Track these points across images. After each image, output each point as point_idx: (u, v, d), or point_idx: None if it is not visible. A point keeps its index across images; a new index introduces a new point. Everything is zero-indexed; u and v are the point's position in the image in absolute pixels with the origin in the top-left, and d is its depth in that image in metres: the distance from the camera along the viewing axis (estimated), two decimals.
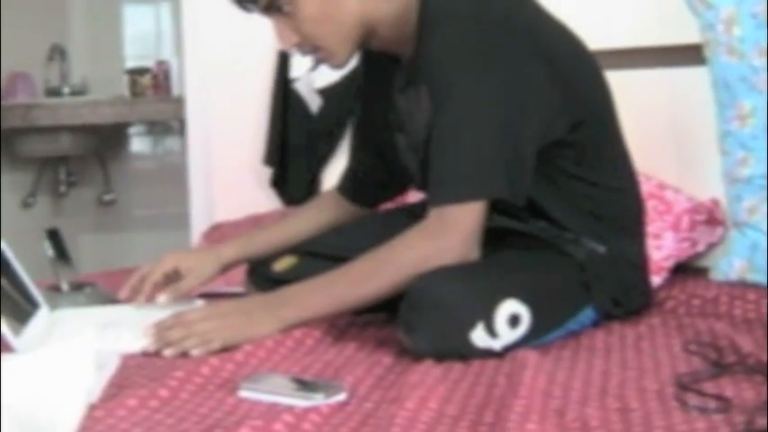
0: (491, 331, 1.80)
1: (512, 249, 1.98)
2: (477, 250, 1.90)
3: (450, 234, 1.88)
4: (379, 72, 2.20)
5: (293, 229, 2.36)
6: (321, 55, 2.07)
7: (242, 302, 2.03)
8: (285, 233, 2.34)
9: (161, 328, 1.90)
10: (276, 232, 2.36)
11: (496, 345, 1.81)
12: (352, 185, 2.39)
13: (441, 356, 1.78)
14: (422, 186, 2.14)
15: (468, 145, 1.90)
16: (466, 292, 1.82)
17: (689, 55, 2.56)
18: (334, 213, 2.38)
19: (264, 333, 1.89)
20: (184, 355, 1.84)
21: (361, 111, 2.38)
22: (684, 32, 2.53)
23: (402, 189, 2.41)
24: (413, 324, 1.81)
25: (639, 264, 2.14)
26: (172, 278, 2.22)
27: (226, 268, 2.29)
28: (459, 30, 1.92)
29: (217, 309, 1.97)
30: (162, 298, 2.17)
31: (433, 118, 1.96)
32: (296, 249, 2.28)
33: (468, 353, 1.79)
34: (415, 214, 2.04)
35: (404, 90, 2.10)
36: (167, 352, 1.85)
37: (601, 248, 2.03)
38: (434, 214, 1.90)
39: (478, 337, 1.79)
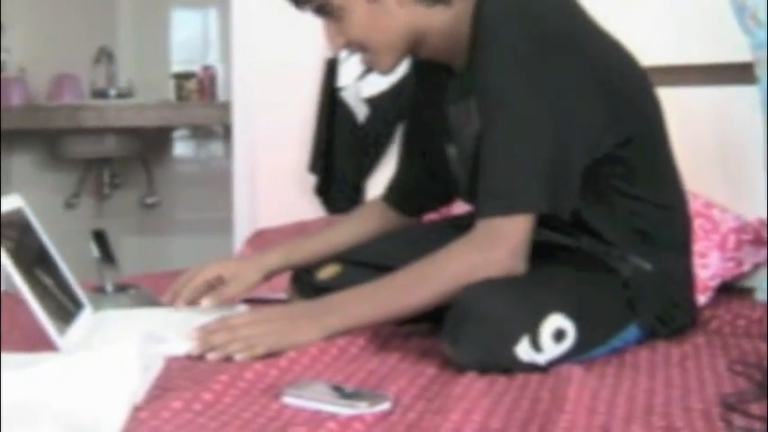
0: (536, 345, 1.79)
1: (558, 264, 1.97)
2: (524, 264, 1.89)
3: (497, 246, 1.88)
4: (432, 82, 2.21)
5: (337, 237, 2.36)
6: (368, 59, 2.09)
7: (286, 309, 2.05)
8: (329, 242, 2.35)
9: (206, 332, 1.90)
10: (320, 241, 2.36)
11: (541, 359, 1.80)
12: (398, 195, 2.39)
13: (485, 369, 1.77)
14: (469, 198, 2.14)
15: (517, 159, 1.90)
16: (512, 305, 1.82)
17: (738, 73, 2.55)
18: (378, 223, 2.39)
19: (307, 340, 1.89)
20: (228, 359, 1.84)
21: (412, 120, 2.38)
22: (735, 51, 2.51)
23: (448, 200, 2.41)
24: (458, 336, 1.80)
25: (686, 282, 2.13)
26: (215, 285, 2.23)
27: (269, 276, 2.30)
28: (512, 46, 1.92)
29: (261, 314, 1.97)
30: (205, 303, 2.17)
31: (481, 131, 1.96)
32: (340, 258, 2.28)
33: (513, 366, 1.78)
34: (460, 226, 2.03)
35: (456, 101, 2.10)
36: (211, 356, 1.85)
37: (647, 266, 2.02)
38: (482, 226, 1.90)
39: (523, 350, 1.79)
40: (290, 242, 2.41)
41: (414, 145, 2.37)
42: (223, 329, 1.90)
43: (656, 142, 2.11)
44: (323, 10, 2.04)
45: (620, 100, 2.00)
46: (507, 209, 1.89)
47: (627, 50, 2.09)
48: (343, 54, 3.08)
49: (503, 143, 1.92)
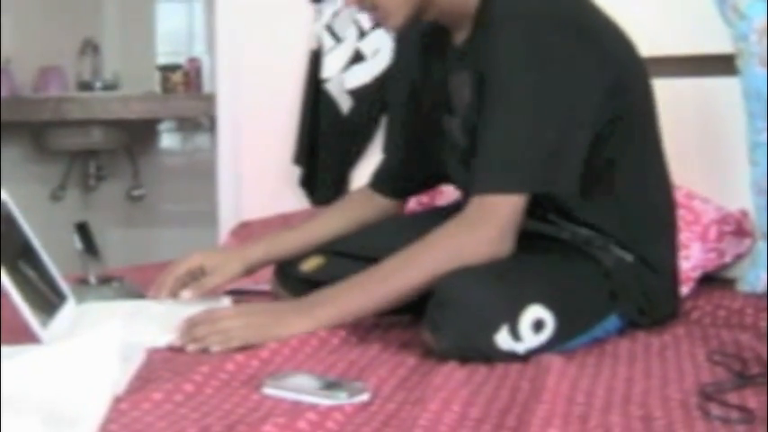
0: (515, 334, 1.81)
1: (539, 254, 1.98)
2: (513, 244, 1.91)
3: (487, 223, 1.90)
4: (431, 54, 2.23)
5: (320, 229, 2.36)
6: (378, 15, 2.09)
7: (273, 304, 2.08)
8: (312, 233, 2.35)
9: (189, 324, 1.91)
10: (303, 232, 2.36)
11: (520, 348, 1.82)
12: (385, 177, 2.41)
13: (464, 357, 1.79)
14: (466, 169, 2.15)
15: (516, 138, 1.93)
16: (492, 293, 1.83)
17: (720, 65, 2.56)
18: (361, 212, 2.39)
19: (295, 332, 1.89)
20: (206, 351, 1.85)
21: (403, 98, 2.38)
22: (717, 42, 2.53)
23: (436, 182, 2.42)
24: (438, 322, 1.82)
25: (668, 274, 2.14)
26: (197, 275, 2.23)
27: (252, 268, 2.30)
28: (525, 26, 1.95)
29: (247, 307, 2.01)
30: (185, 294, 2.18)
31: (481, 105, 1.99)
32: (324, 249, 2.29)
33: (492, 355, 1.79)
34: (444, 216, 2.04)
35: (456, 71, 2.12)
36: (190, 347, 1.86)
37: (629, 257, 2.04)
38: (475, 202, 1.93)
39: (502, 339, 1.80)
40: (272, 235, 2.41)
41: (403, 125, 2.38)
42: (205, 322, 1.91)
43: (644, 132, 2.12)
44: None
45: (617, 86, 2.02)
46: (502, 186, 1.91)
47: (628, 38, 2.12)
48: (334, 74, 3.09)
49: (503, 123, 1.94)
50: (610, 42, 2.07)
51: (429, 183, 2.43)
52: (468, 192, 2.02)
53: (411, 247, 1.95)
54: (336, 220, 2.38)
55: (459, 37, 2.13)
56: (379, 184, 2.41)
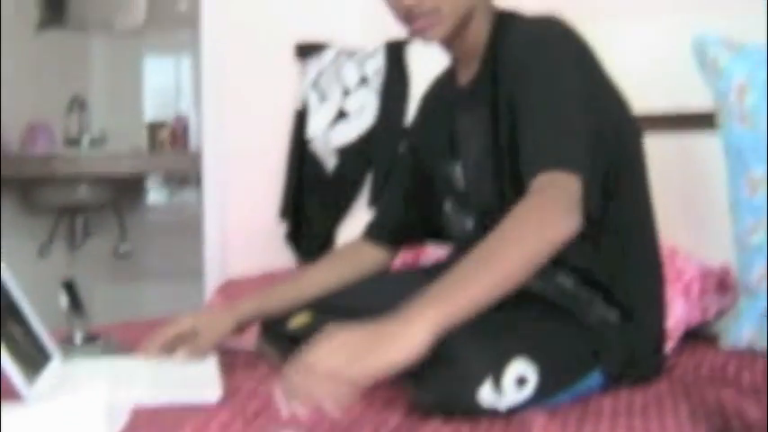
0: (498, 389, 1.80)
1: (524, 308, 1.97)
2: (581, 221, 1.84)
3: (564, 196, 1.83)
4: (438, 99, 2.28)
5: (311, 284, 2.36)
6: (430, 21, 2.09)
7: (362, 328, 1.69)
8: (303, 288, 2.35)
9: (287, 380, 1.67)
10: (294, 288, 2.37)
11: (502, 404, 1.81)
12: (381, 226, 2.45)
13: (447, 412, 1.78)
14: (476, 210, 2.18)
15: (566, 127, 1.92)
16: (477, 347, 1.82)
17: (701, 122, 2.59)
18: (352, 266, 2.40)
19: (415, 343, 1.64)
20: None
21: (412, 140, 2.43)
22: (699, 99, 2.56)
23: (431, 233, 2.43)
24: (421, 377, 1.81)
25: (654, 332, 2.15)
26: (187, 338, 2.23)
27: (243, 325, 2.30)
28: (544, 46, 2.00)
29: (336, 339, 1.66)
30: (179, 355, 2.18)
31: (496, 142, 2.04)
32: (312, 306, 2.29)
33: (474, 411, 1.79)
34: (430, 275, 2.04)
35: (467, 110, 2.16)
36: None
37: (614, 314, 2.05)
38: (541, 178, 1.86)
39: (486, 393, 1.79)
40: (263, 291, 2.41)
41: (403, 170, 2.43)
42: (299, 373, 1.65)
43: (635, 185, 2.15)
44: None
45: (611, 136, 2.05)
46: (565, 163, 1.87)
47: (620, 90, 2.15)
48: (319, 133, 3.10)
49: (550, 114, 1.93)
50: (611, 88, 2.12)
51: (425, 232, 2.45)
52: (463, 234, 2.09)
53: (497, 228, 1.79)
54: (327, 275, 2.39)
55: (464, 77, 2.18)
56: (374, 233, 2.45)
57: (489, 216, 2.10)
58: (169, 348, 2.21)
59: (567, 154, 1.89)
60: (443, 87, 2.29)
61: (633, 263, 2.12)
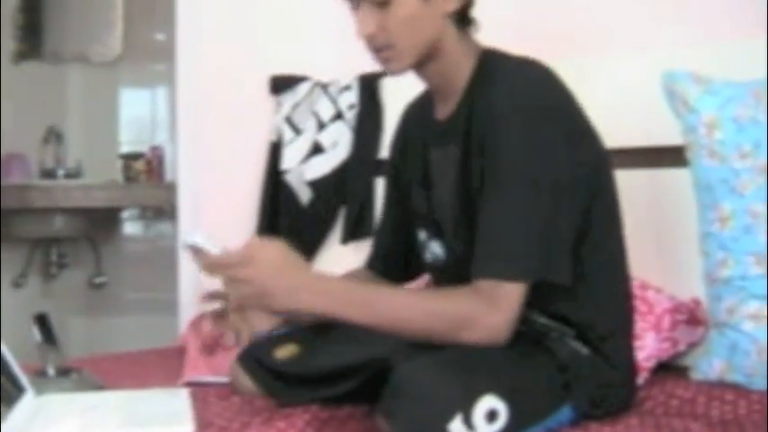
0: (468, 424, 1.81)
1: None
2: (513, 332, 1.95)
3: (495, 312, 1.93)
4: (414, 131, 2.29)
5: None
6: (388, 54, 2.11)
7: (291, 274, 1.99)
8: None
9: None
10: None
11: None
12: (381, 259, 2.46)
13: None
14: (451, 245, 2.19)
15: (524, 225, 1.95)
16: (447, 382, 1.83)
17: (671, 156, 2.60)
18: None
19: (298, 311, 1.96)
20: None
21: (394, 175, 2.43)
22: (667, 134, 2.58)
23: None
24: (392, 410, 1.82)
25: (624, 367, 2.16)
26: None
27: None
28: (524, 124, 1.98)
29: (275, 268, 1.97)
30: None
31: (462, 181, 2.06)
32: (299, 338, 2.30)
33: None
34: None
35: (439, 146, 2.18)
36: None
37: (584, 350, 2.06)
38: (483, 285, 1.95)
39: (456, 427, 1.79)
40: None
41: (394, 205, 2.43)
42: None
43: (610, 224, 2.16)
44: None
45: (587, 178, 2.07)
46: (507, 274, 1.94)
47: (596, 130, 2.16)
48: (293, 165, 3.09)
49: (506, 208, 1.97)
50: (590, 136, 2.13)
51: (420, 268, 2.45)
52: (436, 262, 2.12)
53: (429, 296, 2.02)
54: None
55: (443, 111, 2.18)
56: (372, 264, 2.47)
57: (459, 248, 2.12)
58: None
59: (515, 261, 1.95)
60: (422, 113, 2.29)
61: (605, 301, 2.13)
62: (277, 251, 1.99)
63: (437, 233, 2.21)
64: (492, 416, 1.84)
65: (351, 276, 2.46)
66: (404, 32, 2.08)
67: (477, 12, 2.17)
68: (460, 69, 2.14)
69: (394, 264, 2.45)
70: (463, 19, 2.15)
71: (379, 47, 2.11)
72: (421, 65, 2.14)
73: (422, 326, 1.94)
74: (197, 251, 1.98)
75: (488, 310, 1.93)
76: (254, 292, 1.93)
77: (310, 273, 2.04)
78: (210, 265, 1.98)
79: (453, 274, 2.07)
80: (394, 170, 2.43)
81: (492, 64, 2.11)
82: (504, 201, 1.98)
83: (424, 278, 2.47)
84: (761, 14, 2.57)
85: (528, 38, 3.02)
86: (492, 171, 2.01)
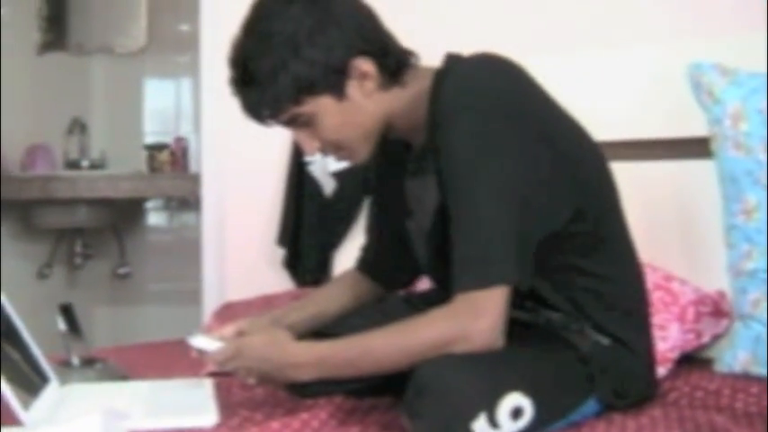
0: (493, 422, 1.80)
1: (517, 340, 1.98)
2: (503, 338, 1.91)
3: (479, 318, 1.89)
4: (391, 159, 2.23)
5: (317, 308, 2.37)
6: (344, 154, 2.11)
7: (279, 352, 2.04)
8: (310, 312, 2.35)
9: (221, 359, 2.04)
10: (302, 310, 2.36)
11: None
12: (372, 267, 2.43)
13: None
14: (430, 272, 2.18)
15: (488, 232, 1.91)
16: (471, 381, 1.83)
17: (696, 148, 2.59)
18: (354, 294, 2.41)
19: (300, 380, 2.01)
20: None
21: (375, 197, 2.42)
22: (692, 126, 2.57)
23: (417, 273, 2.43)
24: (416, 409, 1.82)
25: (645, 356, 2.15)
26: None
27: None
28: (473, 122, 1.93)
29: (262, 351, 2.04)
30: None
31: (444, 205, 1.98)
32: (311, 334, 2.30)
33: None
34: (430, 301, 2.05)
35: (414, 176, 2.14)
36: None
37: (605, 341, 2.05)
38: (462, 299, 1.90)
39: (480, 427, 1.79)
40: (279, 309, 2.40)
41: (379, 221, 2.41)
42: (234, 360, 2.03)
43: (609, 217, 2.14)
44: (294, 122, 2.05)
45: (572, 174, 2.03)
46: (485, 282, 1.89)
47: (579, 124, 2.12)
48: (317, 157, 3.09)
49: (473, 217, 1.92)
50: (557, 127, 2.06)
51: (412, 273, 2.43)
52: (443, 284, 2.05)
53: (402, 329, 1.94)
54: (333, 302, 2.39)
55: (415, 140, 2.13)
56: (362, 267, 2.44)
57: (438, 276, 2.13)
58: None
59: (489, 269, 1.90)
60: (393, 147, 2.21)
61: (617, 292, 2.11)
62: (259, 339, 2.05)
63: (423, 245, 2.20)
64: (517, 413, 1.83)
65: (340, 284, 2.46)
66: (343, 135, 2.05)
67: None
68: (418, 106, 2.07)
69: (385, 267, 2.43)
70: (390, 71, 2.08)
71: (332, 154, 2.11)
72: (382, 136, 2.11)
73: (413, 359, 1.89)
74: (200, 350, 2.07)
75: (473, 320, 1.88)
76: (253, 376, 2.02)
77: (294, 348, 2.03)
78: (212, 361, 2.06)
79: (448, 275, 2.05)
80: (378, 188, 2.40)
81: (447, 72, 2.04)
82: (464, 210, 1.93)
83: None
84: None
85: (547, 30, 3.03)
86: (447, 180, 1.97)
